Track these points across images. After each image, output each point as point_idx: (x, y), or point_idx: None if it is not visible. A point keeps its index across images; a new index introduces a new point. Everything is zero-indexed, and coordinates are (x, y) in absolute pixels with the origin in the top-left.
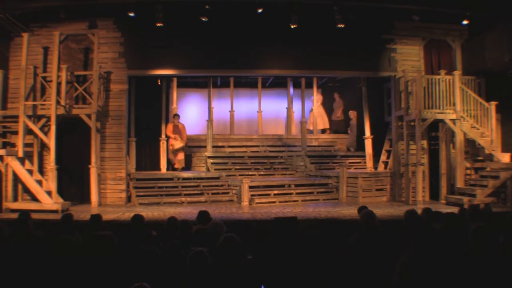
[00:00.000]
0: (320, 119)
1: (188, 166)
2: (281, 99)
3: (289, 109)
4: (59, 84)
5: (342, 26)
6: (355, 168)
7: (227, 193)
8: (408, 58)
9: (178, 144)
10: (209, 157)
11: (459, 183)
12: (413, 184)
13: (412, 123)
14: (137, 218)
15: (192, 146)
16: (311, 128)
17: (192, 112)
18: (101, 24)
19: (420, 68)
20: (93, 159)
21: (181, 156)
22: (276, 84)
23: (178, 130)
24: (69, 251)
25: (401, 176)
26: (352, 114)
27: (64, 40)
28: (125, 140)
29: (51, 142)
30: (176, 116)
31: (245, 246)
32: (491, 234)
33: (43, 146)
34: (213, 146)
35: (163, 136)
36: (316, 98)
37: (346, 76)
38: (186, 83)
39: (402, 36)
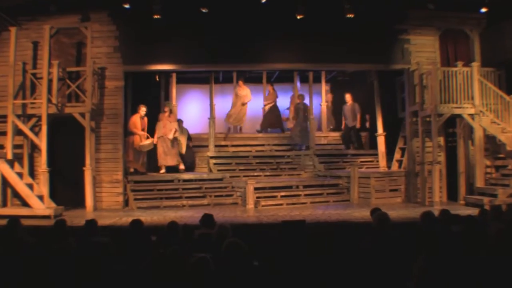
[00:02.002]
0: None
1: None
2: (287, 95)
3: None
4: (50, 81)
5: (352, 16)
6: (367, 168)
7: (231, 195)
8: (423, 49)
9: (146, 147)
10: (211, 157)
11: (479, 183)
12: (429, 184)
13: (428, 119)
14: (136, 223)
15: (193, 146)
16: None
17: (192, 109)
18: (94, 17)
19: (435, 60)
20: (87, 161)
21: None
22: (282, 78)
23: (144, 125)
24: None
25: (417, 175)
26: (299, 98)
27: (55, 34)
28: (121, 140)
29: (43, 143)
30: (168, 103)
31: (250, 252)
32: None
33: (34, 148)
34: (216, 146)
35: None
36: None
37: (356, 70)
38: (186, 79)
39: (416, 26)
